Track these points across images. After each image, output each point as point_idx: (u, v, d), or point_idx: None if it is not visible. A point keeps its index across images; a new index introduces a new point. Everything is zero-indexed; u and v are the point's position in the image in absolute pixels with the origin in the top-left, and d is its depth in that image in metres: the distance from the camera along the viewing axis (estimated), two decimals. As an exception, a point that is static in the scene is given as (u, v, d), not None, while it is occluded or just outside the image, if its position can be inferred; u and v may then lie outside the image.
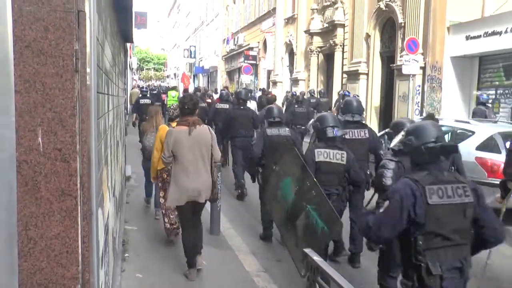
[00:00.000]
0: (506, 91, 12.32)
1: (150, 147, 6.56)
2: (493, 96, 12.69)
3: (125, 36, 8.19)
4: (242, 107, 9.41)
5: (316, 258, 3.35)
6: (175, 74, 63.12)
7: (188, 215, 4.98)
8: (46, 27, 1.91)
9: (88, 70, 2.03)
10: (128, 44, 14.53)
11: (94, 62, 2.11)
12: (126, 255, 5.60)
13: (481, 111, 10.19)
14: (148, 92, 15.05)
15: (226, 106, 10.82)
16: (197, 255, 5.01)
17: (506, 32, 11.44)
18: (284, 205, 4.90)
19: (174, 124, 5.39)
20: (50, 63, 1.93)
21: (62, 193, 1.98)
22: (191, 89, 28.01)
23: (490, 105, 11.63)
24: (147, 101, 13.02)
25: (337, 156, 4.88)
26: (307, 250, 3.51)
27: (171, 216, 5.83)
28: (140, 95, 14.35)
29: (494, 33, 11.83)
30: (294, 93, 17.91)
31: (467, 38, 12.70)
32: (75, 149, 1.97)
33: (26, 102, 1.92)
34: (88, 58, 2.01)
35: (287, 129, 6.69)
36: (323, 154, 4.86)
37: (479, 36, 12.33)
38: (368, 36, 16.92)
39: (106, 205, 3.36)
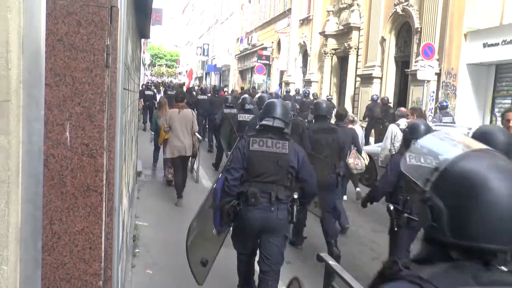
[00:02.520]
0: (523, 101, 12.21)
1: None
2: (509, 105, 12.55)
3: (142, 32, 8.20)
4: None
5: (332, 262, 3.33)
6: (187, 71, 63.28)
7: (178, 164, 7.92)
8: (78, 21, 1.90)
9: (117, 66, 2.02)
10: (143, 40, 14.70)
11: (122, 58, 2.10)
12: (137, 250, 5.61)
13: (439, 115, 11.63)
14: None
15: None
16: (182, 189, 7.84)
17: (525, 40, 11.34)
18: None
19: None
20: (81, 58, 1.92)
21: (87, 189, 1.97)
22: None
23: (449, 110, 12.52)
24: (150, 92, 18.11)
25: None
26: (323, 254, 3.49)
27: (170, 170, 8.80)
28: (145, 88, 18.72)
29: (512, 42, 11.72)
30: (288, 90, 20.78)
31: (484, 45, 12.58)
32: (102, 145, 1.96)
33: (56, 96, 1.91)
34: (118, 54, 2.00)
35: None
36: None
37: (496, 44, 12.21)
38: (383, 39, 16.83)
39: (124, 201, 3.36)
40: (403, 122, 7.66)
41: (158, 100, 11.98)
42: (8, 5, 1.53)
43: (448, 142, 1.31)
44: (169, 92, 18.58)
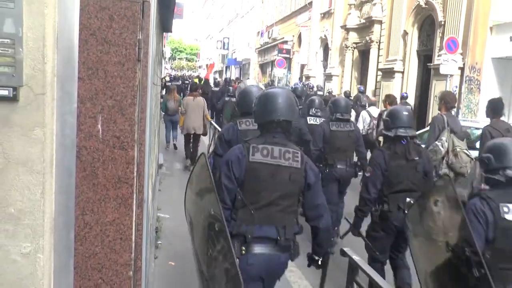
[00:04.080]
0: (548, 96, 11.94)
1: (172, 107, 11.60)
2: (534, 100, 12.32)
3: (165, 26, 8.24)
4: None
5: (356, 257, 3.33)
6: (207, 65, 63.41)
7: (190, 138, 10.20)
8: (111, 16, 1.93)
9: (149, 60, 2.05)
10: (164, 34, 14.86)
11: (153, 52, 2.12)
12: (159, 242, 5.67)
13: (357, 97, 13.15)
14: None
15: None
16: (194, 157, 10.00)
17: (552, 34, 11.06)
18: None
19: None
20: (113, 52, 1.95)
21: (118, 180, 2.01)
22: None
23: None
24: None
25: None
26: (346, 249, 3.48)
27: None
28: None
29: (539, 35, 11.45)
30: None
31: (511, 39, 12.30)
32: (133, 138, 2.00)
33: (88, 89, 1.95)
34: (149, 48, 2.03)
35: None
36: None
37: (523, 38, 11.96)
38: (405, 33, 16.59)
39: (149, 193, 3.41)
40: (372, 109, 9.97)
41: (168, 87, 14.32)
42: (45, 0, 1.57)
43: None
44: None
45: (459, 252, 2.33)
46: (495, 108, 6.02)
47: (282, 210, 2.72)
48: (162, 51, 13.31)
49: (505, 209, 2.67)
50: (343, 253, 3.42)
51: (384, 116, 4.65)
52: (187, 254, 5.38)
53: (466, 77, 13.46)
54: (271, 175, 2.64)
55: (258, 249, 2.64)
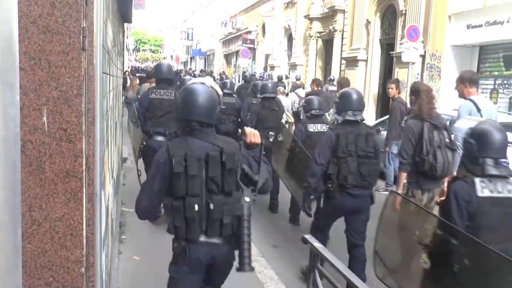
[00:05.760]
0: (505, 82, 12.27)
1: (130, 96, 12.32)
2: (492, 86, 12.66)
3: (124, 16, 8.07)
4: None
5: (317, 244, 3.35)
6: (171, 56, 62.68)
7: None
8: (52, 3, 1.84)
9: (94, 49, 1.97)
10: (126, 25, 14.61)
11: (100, 41, 2.05)
12: (123, 237, 5.58)
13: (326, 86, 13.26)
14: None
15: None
16: None
17: (508, 21, 11.35)
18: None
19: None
20: (56, 40, 1.87)
21: (67, 174, 1.94)
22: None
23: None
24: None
25: None
26: (308, 236, 3.51)
27: None
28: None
29: (495, 23, 11.72)
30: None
31: (468, 27, 12.59)
32: (81, 130, 1.92)
33: (31, 80, 1.86)
34: (95, 36, 1.95)
35: None
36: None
37: (480, 25, 12.23)
38: (368, 22, 16.78)
39: (107, 187, 3.32)
40: (300, 91, 11.88)
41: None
42: (-23, -14, 1.47)
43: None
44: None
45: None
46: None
47: None
48: (124, 42, 13.08)
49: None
50: (305, 241, 3.44)
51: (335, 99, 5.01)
52: (152, 248, 5.33)
53: (427, 65, 13.74)
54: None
55: None
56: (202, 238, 2.73)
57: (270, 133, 6.79)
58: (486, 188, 2.87)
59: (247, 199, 2.62)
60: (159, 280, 4.52)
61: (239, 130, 2.93)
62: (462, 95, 5.35)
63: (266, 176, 2.80)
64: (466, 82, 5.28)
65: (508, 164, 3.01)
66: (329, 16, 19.51)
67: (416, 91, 4.97)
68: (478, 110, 5.07)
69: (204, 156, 2.65)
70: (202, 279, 2.94)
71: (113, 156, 4.88)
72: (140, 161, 5.87)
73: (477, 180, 2.88)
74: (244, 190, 2.64)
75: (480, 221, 2.85)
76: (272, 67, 25.93)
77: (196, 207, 2.65)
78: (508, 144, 3.04)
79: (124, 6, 6.69)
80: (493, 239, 2.70)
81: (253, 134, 2.76)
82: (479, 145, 2.95)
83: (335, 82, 13.10)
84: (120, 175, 7.39)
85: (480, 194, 2.84)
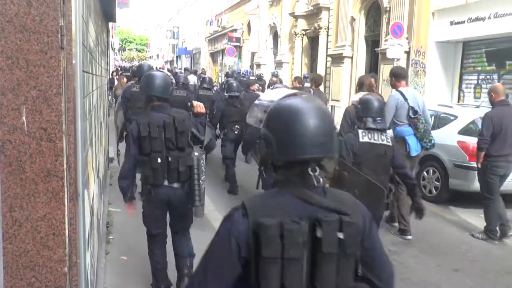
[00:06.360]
0: (488, 77, 12.42)
1: (118, 94, 10.96)
2: (475, 82, 12.81)
3: (108, 15, 8.01)
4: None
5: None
6: (157, 55, 62.41)
7: None
8: (29, 1, 1.83)
9: (73, 47, 1.96)
10: (110, 24, 14.55)
11: (79, 39, 2.04)
12: (110, 237, 5.56)
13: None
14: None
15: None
16: None
17: (489, 18, 11.49)
18: None
19: None
20: (34, 40, 1.85)
21: (48, 174, 1.93)
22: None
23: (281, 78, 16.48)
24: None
25: None
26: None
27: None
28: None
29: (477, 19, 11.85)
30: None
31: (452, 23, 12.72)
32: (61, 129, 1.91)
33: (9, 79, 1.85)
34: (73, 35, 1.94)
35: None
36: None
37: (463, 22, 12.35)
38: (353, 19, 16.86)
39: (91, 187, 3.31)
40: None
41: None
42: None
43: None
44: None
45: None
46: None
47: None
48: (108, 41, 13.01)
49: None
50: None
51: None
52: (139, 247, 5.30)
53: (412, 61, 13.85)
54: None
55: None
56: (166, 183, 3.77)
57: (236, 126, 8.03)
58: (366, 136, 4.11)
59: (196, 153, 3.70)
60: (147, 279, 4.53)
61: (188, 104, 4.11)
62: (393, 87, 6.41)
63: (210, 137, 3.91)
64: (393, 76, 6.46)
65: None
66: (314, 13, 19.56)
67: (360, 84, 6.33)
68: (405, 98, 6.10)
69: (161, 123, 3.65)
70: (165, 215, 4.05)
71: (98, 156, 4.86)
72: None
73: (360, 131, 4.16)
74: (194, 147, 3.75)
75: (361, 158, 4.09)
76: (258, 65, 25.91)
77: (159, 160, 3.66)
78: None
79: (107, 5, 6.64)
80: (370, 172, 3.93)
81: (199, 106, 3.85)
82: (363, 108, 4.23)
83: (309, 79, 13.25)
84: (106, 175, 7.35)
85: (361, 140, 4.10)
